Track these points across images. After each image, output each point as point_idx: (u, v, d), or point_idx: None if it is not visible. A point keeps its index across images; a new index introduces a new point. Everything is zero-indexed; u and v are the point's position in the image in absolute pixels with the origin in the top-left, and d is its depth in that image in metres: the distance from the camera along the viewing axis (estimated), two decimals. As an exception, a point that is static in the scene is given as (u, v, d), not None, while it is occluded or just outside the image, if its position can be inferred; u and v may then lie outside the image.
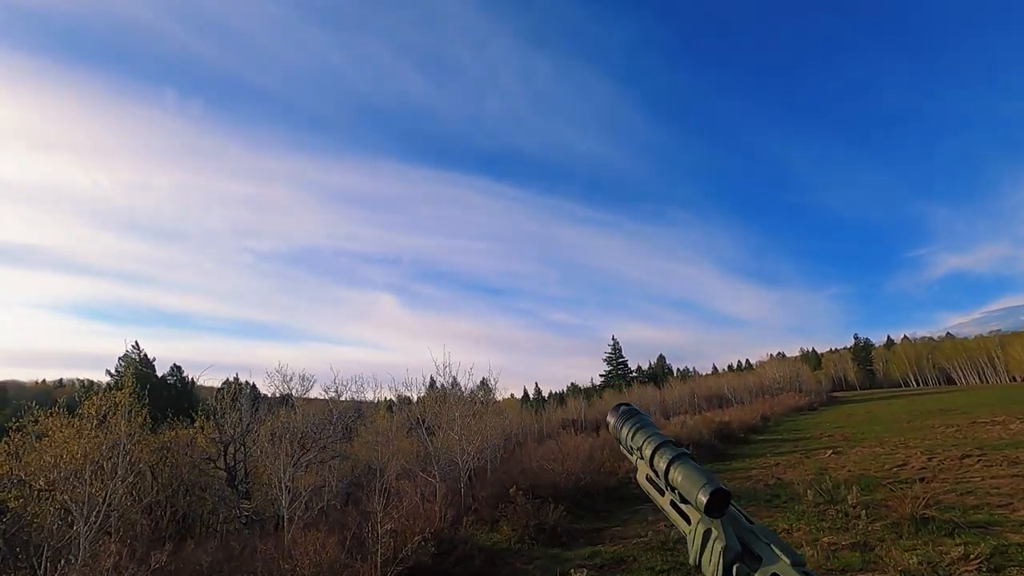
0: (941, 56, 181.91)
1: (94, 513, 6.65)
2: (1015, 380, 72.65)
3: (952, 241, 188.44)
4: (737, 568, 0.66)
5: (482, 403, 15.55)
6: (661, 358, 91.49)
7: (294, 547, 6.53)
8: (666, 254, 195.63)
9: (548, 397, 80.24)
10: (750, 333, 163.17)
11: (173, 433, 12.38)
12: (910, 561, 5.35)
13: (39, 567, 5.87)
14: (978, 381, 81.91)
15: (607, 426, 0.97)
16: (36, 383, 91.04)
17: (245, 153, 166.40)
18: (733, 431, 22.48)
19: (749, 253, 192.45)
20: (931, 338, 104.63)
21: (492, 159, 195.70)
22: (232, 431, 11.78)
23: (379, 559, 6.05)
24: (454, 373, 14.70)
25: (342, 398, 16.21)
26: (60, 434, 8.07)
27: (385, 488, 8.17)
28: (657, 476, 0.82)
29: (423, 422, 11.22)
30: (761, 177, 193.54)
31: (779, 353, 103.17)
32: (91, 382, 48.48)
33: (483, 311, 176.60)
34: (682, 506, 0.77)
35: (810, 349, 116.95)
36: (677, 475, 0.76)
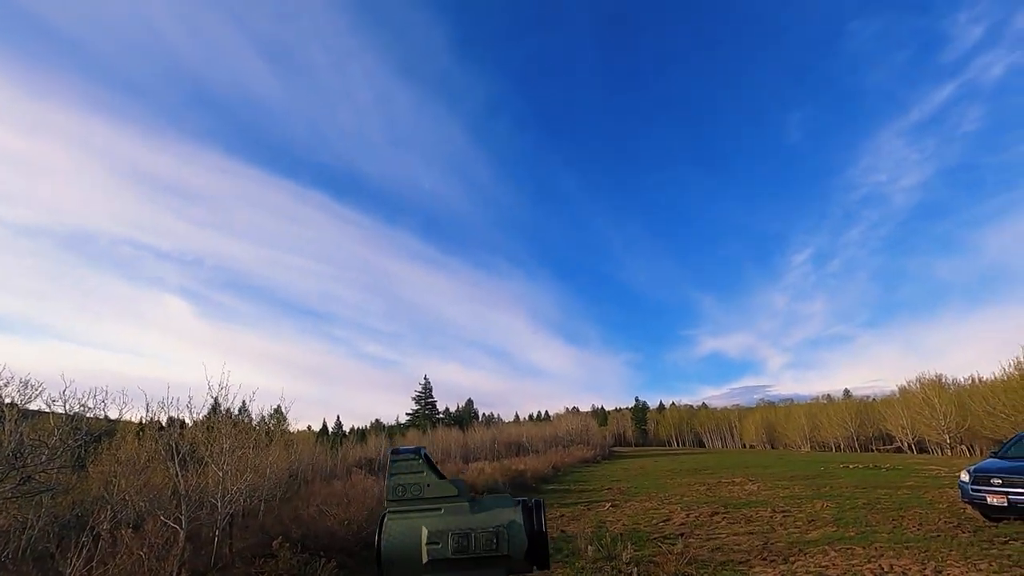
0: (731, 176, 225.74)
1: None
2: (745, 447, 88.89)
3: (714, 326, 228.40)
4: None
5: (267, 433, 13.55)
6: (469, 402, 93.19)
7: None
8: (488, 301, 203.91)
9: (349, 432, 75.59)
10: (552, 385, 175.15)
11: None
12: (672, 621, 5.54)
13: None
14: (721, 445, 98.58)
15: None
16: None
17: (18, 95, 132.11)
18: (527, 480, 23.10)
19: (560, 312, 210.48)
20: (691, 406, 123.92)
21: (333, 176, 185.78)
22: None
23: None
24: (238, 396, 12.68)
25: (88, 414, 12.91)
26: None
27: (96, 537, 6.22)
28: None
29: (178, 452, 9.13)
30: (582, 245, 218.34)
31: (574, 407, 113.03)
32: None
33: (293, 333, 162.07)
34: None
35: (599, 406, 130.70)
36: None
